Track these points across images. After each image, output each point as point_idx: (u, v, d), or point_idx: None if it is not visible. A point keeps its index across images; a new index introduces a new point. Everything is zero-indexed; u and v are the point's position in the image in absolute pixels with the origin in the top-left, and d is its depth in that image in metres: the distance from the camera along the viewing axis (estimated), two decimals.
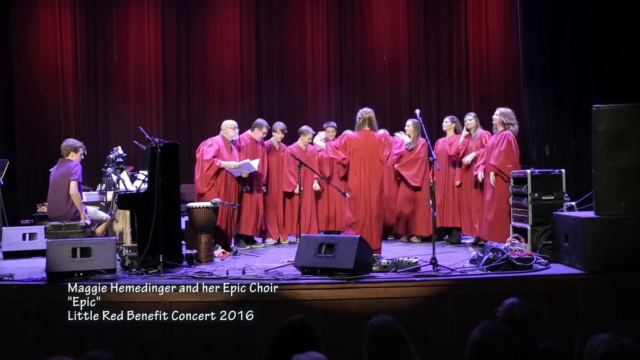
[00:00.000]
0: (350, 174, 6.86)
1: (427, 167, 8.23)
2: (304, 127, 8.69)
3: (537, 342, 3.11)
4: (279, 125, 8.50)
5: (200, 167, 7.55)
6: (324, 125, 8.75)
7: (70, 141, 7.40)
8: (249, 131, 8.27)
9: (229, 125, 7.81)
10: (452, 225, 8.17)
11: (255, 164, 7.74)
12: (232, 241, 7.72)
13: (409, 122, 8.47)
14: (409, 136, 8.35)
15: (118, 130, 10.28)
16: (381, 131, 8.26)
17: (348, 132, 8.05)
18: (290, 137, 8.89)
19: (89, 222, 7.13)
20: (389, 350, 2.75)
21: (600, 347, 2.36)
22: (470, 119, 8.06)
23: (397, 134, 7.55)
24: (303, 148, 8.54)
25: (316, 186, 8.47)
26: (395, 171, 8.38)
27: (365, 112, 6.97)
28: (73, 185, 7.07)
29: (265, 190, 8.26)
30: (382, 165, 6.90)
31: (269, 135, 8.46)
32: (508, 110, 7.53)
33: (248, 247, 8.06)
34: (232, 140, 7.82)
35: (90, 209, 7.35)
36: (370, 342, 2.79)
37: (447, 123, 8.36)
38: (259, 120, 8.38)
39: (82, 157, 7.42)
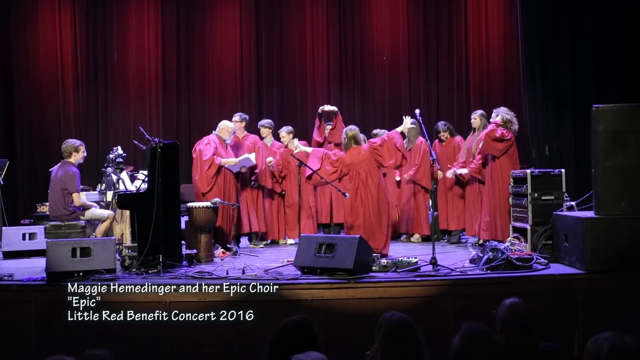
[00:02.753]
0: (348, 186, 6.81)
1: (428, 163, 8.21)
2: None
3: (537, 342, 3.11)
4: (264, 122, 8.51)
5: (200, 167, 7.49)
6: (326, 125, 8.76)
7: (70, 141, 7.42)
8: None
9: (227, 128, 7.73)
10: (453, 228, 8.16)
11: (253, 157, 7.73)
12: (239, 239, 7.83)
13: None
14: (409, 140, 8.37)
15: (118, 130, 10.29)
16: (382, 131, 8.27)
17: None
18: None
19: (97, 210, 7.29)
20: (406, 344, 2.76)
21: (604, 345, 2.35)
22: (474, 118, 8.03)
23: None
24: (292, 149, 8.44)
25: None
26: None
27: (350, 129, 6.96)
28: (76, 197, 7.16)
29: (254, 185, 8.19)
30: (379, 172, 6.85)
31: (256, 131, 8.48)
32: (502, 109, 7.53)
33: (251, 245, 8.08)
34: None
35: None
36: (386, 336, 2.78)
37: (444, 134, 8.31)
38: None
39: (84, 154, 7.45)
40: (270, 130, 8.48)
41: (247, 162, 7.71)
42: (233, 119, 8.21)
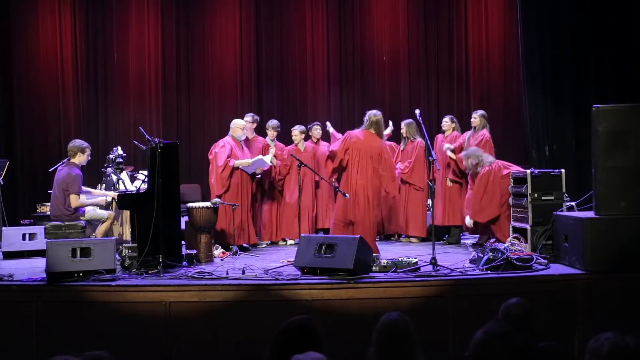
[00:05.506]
0: (350, 174, 6.79)
1: (422, 163, 8.23)
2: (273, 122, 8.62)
3: (537, 341, 3.11)
4: (271, 122, 8.52)
5: (215, 169, 7.64)
6: (308, 127, 8.81)
7: (77, 142, 7.43)
8: None
9: (237, 125, 7.86)
10: (451, 224, 8.14)
11: (267, 159, 7.79)
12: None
13: (403, 125, 8.48)
14: (407, 138, 8.39)
15: (118, 130, 10.29)
16: (388, 130, 8.32)
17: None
18: (289, 136, 8.90)
19: (111, 197, 7.30)
20: (399, 345, 2.76)
21: (605, 345, 2.35)
22: (474, 117, 8.06)
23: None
24: (301, 149, 8.53)
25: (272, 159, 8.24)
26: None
27: (374, 114, 6.89)
28: (74, 199, 7.17)
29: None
30: (379, 170, 6.81)
31: (263, 132, 8.51)
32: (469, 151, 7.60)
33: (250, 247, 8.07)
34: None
35: (89, 208, 7.37)
36: (377, 338, 2.80)
37: (447, 123, 8.35)
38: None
39: (89, 157, 7.46)
40: (275, 133, 8.50)
41: (262, 164, 7.77)
42: (245, 119, 8.26)
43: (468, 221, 7.45)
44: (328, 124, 8.83)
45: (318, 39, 10.39)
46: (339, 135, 8.02)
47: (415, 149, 8.31)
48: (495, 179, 7.20)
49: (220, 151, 7.66)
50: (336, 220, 6.86)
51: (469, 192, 7.56)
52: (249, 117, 8.35)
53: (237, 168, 7.66)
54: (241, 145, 7.85)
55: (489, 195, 7.21)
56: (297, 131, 8.51)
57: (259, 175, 8.03)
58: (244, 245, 7.69)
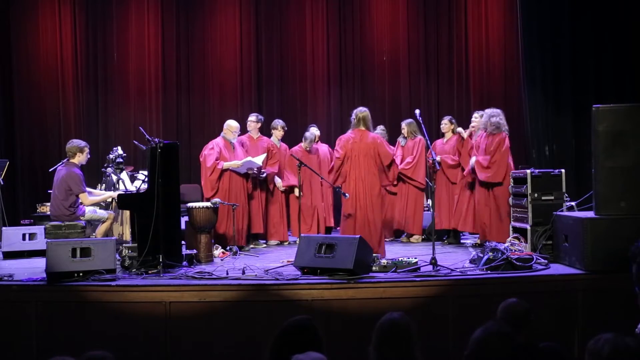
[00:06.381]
0: (349, 175, 6.75)
1: (424, 160, 8.25)
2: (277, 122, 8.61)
3: (537, 342, 3.11)
4: (279, 122, 8.51)
5: (204, 172, 7.61)
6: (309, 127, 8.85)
7: (75, 142, 7.42)
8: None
9: (229, 127, 7.81)
10: (451, 228, 8.13)
11: (258, 160, 7.76)
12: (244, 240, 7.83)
13: (403, 124, 8.50)
14: (405, 137, 8.42)
15: (118, 130, 10.30)
16: (379, 129, 8.32)
17: None
18: (290, 136, 8.91)
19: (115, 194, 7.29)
20: (397, 345, 2.76)
21: (605, 347, 2.35)
22: (475, 117, 8.03)
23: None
24: (307, 149, 8.53)
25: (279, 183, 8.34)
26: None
27: (360, 111, 6.87)
28: (84, 198, 7.19)
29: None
30: (377, 165, 6.75)
31: (268, 132, 8.50)
32: (496, 110, 7.55)
33: (250, 246, 8.04)
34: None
35: (89, 209, 7.37)
36: (377, 337, 2.81)
37: (446, 125, 8.31)
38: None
39: (89, 156, 7.46)
40: (282, 132, 8.50)
41: (252, 165, 7.73)
42: (249, 119, 8.27)
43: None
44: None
45: (318, 39, 10.39)
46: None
47: (416, 145, 8.33)
48: (507, 149, 7.30)
49: (209, 153, 7.59)
50: (342, 221, 6.90)
51: (473, 148, 7.57)
52: (253, 117, 8.33)
53: (227, 170, 7.62)
54: (232, 146, 7.79)
55: (503, 157, 7.27)
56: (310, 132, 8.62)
57: (263, 175, 7.99)
58: (243, 246, 7.69)
